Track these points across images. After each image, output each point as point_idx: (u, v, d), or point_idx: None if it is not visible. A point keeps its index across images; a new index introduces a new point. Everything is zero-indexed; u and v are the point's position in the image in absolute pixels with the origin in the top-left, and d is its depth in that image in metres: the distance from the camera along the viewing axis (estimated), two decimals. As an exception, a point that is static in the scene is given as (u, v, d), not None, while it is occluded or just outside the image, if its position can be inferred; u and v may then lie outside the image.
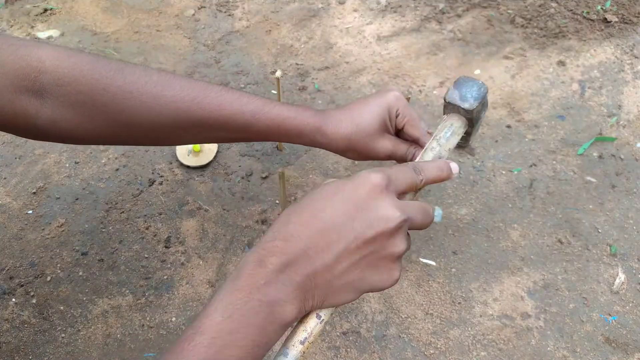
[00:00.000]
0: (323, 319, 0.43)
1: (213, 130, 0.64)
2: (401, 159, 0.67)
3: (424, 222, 0.47)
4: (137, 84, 0.59)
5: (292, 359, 0.41)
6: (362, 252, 0.42)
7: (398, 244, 0.43)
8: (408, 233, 0.46)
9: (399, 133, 0.68)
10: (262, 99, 0.64)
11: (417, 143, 0.66)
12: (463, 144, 0.62)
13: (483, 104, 0.55)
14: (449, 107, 0.56)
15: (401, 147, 0.66)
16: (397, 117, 0.66)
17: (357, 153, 0.65)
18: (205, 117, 0.61)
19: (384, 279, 0.44)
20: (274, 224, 0.44)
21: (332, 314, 0.45)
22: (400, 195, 0.46)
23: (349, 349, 0.73)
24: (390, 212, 0.42)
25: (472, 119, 0.55)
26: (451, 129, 0.54)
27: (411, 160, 0.65)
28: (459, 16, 1.13)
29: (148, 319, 0.75)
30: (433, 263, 0.81)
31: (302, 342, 0.42)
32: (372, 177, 0.43)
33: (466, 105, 0.52)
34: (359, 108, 0.65)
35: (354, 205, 0.42)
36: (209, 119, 0.62)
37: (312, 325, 0.43)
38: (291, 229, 0.42)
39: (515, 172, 0.91)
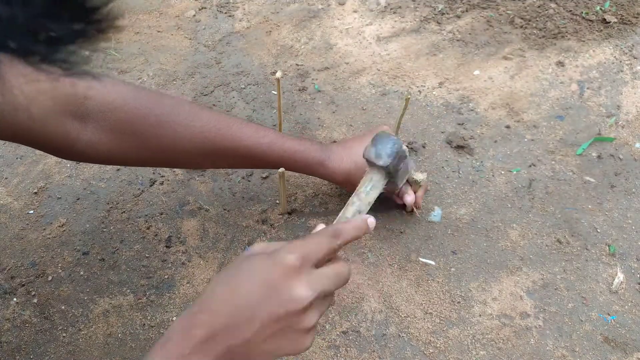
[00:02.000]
0: None
1: (234, 158, 0.72)
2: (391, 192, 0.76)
3: (337, 286, 0.51)
4: (172, 115, 0.66)
5: None
6: (276, 328, 0.46)
7: (309, 319, 0.48)
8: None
9: None
10: (276, 132, 0.74)
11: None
12: (393, 189, 0.65)
13: (399, 157, 0.58)
14: (368, 163, 0.60)
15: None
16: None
17: (353, 185, 0.69)
18: (228, 146, 0.70)
19: (296, 348, 0.49)
20: (202, 294, 0.48)
21: None
22: (321, 262, 0.50)
23: (348, 348, 0.73)
24: (301, 293, 0.46)
25: (390, 173, 0.58)
26: (371, 184, 0.57)
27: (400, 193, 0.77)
28: (458, 17, 1.14)
29: (149, 318, 0.75)
30: (432, 263, 0.81)
31: None
32: (287, 259, 0.46)
33: (380, 163, 0.56)
34: (357, 146, 0.73)
35: (268, 285, 0.46)
36: (231, 149, 0.70)
37: None
38: (215, 304, 0.47)
39: (515, 172, 0.91)
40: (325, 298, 0.49)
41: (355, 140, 0.78)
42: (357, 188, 0.58)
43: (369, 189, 0.57)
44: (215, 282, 0.49)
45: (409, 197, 0.80)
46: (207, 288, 0.48)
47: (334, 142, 0.82)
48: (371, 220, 0.55)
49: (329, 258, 0.51)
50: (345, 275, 0.52)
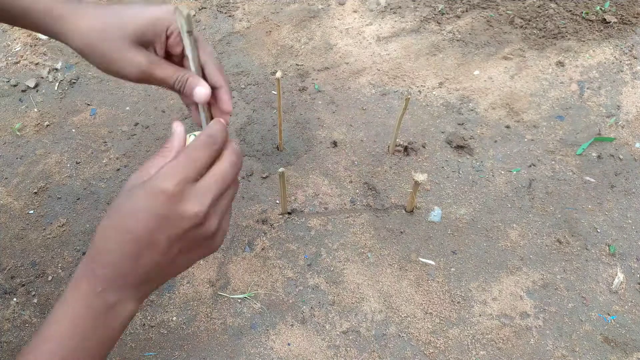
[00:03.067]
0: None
1: (10, 17, 0.56)
2: (159, 83, 0.56)
3: (230, 182, 0.49)
4: None
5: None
6: (180, 245, 0.46)
7: (209, 226, 0.47)
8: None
9: (168, 57, 0.58)
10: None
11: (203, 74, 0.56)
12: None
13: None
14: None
15: (163, 68, 0.56)
16: (168, 37, 0.56)
17: (98, 57, 0.56)
18: (2, 2, 0.55)
19: (207, 252, 0.49)
20: (92, 246, 0.46)
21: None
22: (202, 174, 0.47)
23: (348, 348, 0.73)
24: (191, 211, 0.45)
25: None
26: (189, 40, 0.50)
27: (181, 87, 0.56)
28: (458, 17, 1.14)
29: (149, 318, 0.76)
30: (432, 263, 0.81)
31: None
32: (166, 187, 0.44)
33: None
34: (118, 8, 0.56)
35: (154, 215, 0.44)
36: (4, 5, 0.56)
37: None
38: (109, 245, 0.45)
39: (515, 172, 0.91)
40: (222, 197, 0.48)
41: (122, 4, 0.57)
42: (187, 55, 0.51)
43: (191, 48, 0.51)
44: (102, 223, 0.46)
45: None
46: (97, 230, 0.46)
47: None
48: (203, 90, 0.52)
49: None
50: (235, 166, 0.49)
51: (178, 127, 0.50)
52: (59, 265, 0.80)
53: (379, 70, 1.06)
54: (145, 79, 0.56)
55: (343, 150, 0.94)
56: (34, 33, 1.13)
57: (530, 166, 0.92)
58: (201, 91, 0.53)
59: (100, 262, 0.45)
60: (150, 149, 0.94)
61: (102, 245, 0.45)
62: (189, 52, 0.52)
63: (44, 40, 1.11)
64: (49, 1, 0.57)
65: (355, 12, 1.16)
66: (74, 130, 0.96)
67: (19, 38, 1.10)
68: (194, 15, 1.17)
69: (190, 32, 0.50)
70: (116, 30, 0.55)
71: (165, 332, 0.74)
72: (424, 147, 0.94)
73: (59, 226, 0.84)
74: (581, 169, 0.92)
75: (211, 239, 0.48)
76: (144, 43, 0.55)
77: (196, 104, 0.57)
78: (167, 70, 0.56)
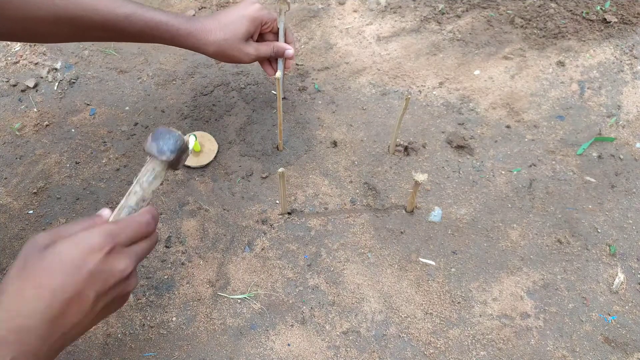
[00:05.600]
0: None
1: (90, 29, 0.70)
2: (264, 58, 0.86)
3: (151, 249, 0.54)
4: None
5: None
6: (105, 300, 0.47)
7: (132, 283, 0.51)
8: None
9: (260, 38, 0.85)
10: (136, 3, 0.72)
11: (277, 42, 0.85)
12: (175, 170, 0.64)
13: (182, 151, 0.59)
14: (150, 156, 0.59)
15: (264, 49, 0.83)
16: (263, 25, 0.82)
17: (226, 57, 0.80)
18: (81, 15, 0.68)
19: (122, 303, 0.52)
20: (2, 299, 0.43)
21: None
22: (131, 243, 0.52)
23: (348, 349, 0.73)
24: (121, 266, 0.48)
25: (172, 164, 0.59)
26: (153, 173, 0.58)
27: (276, 54, 0.85)
28: (458, 17, 1.13)
29: (148, 318, 0.75)
30: (432, 263, 0.81)
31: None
32: (97, 241, 0.46)
33: (163, 158, 0.57)
34: (226, 19, 0.78)
35: (89, 268, 0.45)
36: (85, 18, 0.68)
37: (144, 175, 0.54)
38: (27, 304, 0.43)
39: (515, 172, 0.91)
40: (133, 281, 0.52)
41: (221, 14, 0.79)
42: (138, 178, 0.59)
43: (152, 178, 0.57)
44: (14, 286, 0.44)
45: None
46: (4, 291, 0.44)
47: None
48: (153, 212, 0.55)
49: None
50: (155, 239, 0.55)
51: (104, 211, 0.54)
52: (59, 265, 0.80)
53: (379, 70, 1.06)
54: (254, 60, 0.84)
55: (343, 150, 0.94)
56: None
57: (530, 166, 0.92)
58: (289, 51, 0.84)
59: (13, 328, 0.41)
60: (150, 149, 0.94)
61: (17, 308, 0.42)
62: (280, 28, 0.85)
63: (43, 40, 1.11)
64: (173, 20, 0.75)
65: (355, 11, 1.16)
66: (73, 130, 0.96)
67: (19, 38, 1.10)
68: (194, 15, 1.17)
69: (283, 14, 0.82)
70: (235, 36, 0.78)
71: (165, 332, 0.74)
72: (424, 147, 0.94)
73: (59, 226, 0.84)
74: (582, 169, 0.92)
75: (128, 292, 0.51)
76: (250, 35, 0.81)
77: (270, 62, 0.89)
78: (265, 48, 0.83)
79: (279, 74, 0.78)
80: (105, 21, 0.70)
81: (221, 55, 0.80)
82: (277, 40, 0.86)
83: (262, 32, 0.85)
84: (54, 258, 0.45)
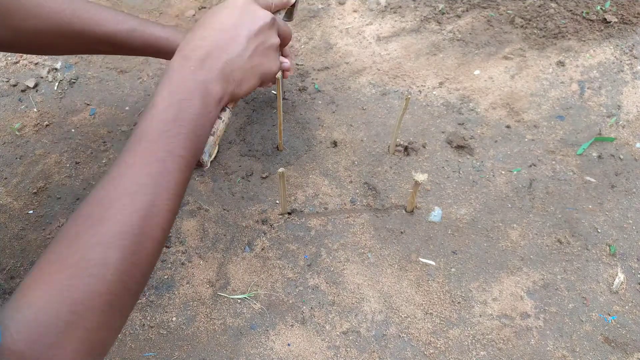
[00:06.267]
0: (223, 120, 0.59)
1: (93, 43, 0.73)
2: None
3: (286, 29, 0.68)
4: None
5: (207, 146, 0.57)
6: (255, 43, 0.59)
7: (274, 37, 0.62)
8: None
9: None
10: (139, 19, 0.75)
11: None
12: (289, 18, 0.83)
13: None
14: None
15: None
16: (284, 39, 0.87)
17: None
18: (85, 29, 0.70)
19: (272, 64, 0.63)
20: (185, 38, 0.57)
21: (229, 117, 0.61)
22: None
23: (348, 349, 0.73)
24: (263, 13, 0.61)
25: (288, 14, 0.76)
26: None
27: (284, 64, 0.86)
28: (458, 17, 1.13)
29: (148, 318, 0.75)
30: (432, 263, 0.81)
31: (211, 134, 0.57)
32: None
33: None
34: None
35: (237, 9, 0.59)
36: (89, 32, 0.71)
37: (217, 124, 0.58)
38: (201, 33, 0.56)
39: (515, 172, 0.91)
40: (277, 35, 0.64)
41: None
42: None
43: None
44: (192, 30, 0.58)
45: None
46: (188, 35, 0.57)
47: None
48: None
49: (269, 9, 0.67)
50: (289, 27, 0.70)
51: None
52: (59, 265, 0.80)
53: (379, 70, 1.06)
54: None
55: (343, 150, 0.94)
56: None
57: (530, 166, 0.92)
58: (285, 64, 0.84)
59: (192, 47, 0.55)
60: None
61: (195, 35, 0.56)
62: None
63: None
64: (174, 37, 0.77)
65: (355, 11, 1.16)
66: (73, 130, 0.96)
67: (19, 38, 1.10)
68: (194, 15, 1.17)
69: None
70: None
71: (165, 332, 0.74)
72: (424, 147, 0.94)
73: (59, 226, 0.84)
74: (582, 169, 0.92)
75: (274, 52, 0.63)
76: None
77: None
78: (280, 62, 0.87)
79: (278, 74, 0.78)
80: (108, 36, 0.72)
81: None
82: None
83: None
84: (216, 7, 0.60)
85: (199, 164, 0.58)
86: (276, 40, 0.63)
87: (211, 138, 0.57)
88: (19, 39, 0.69)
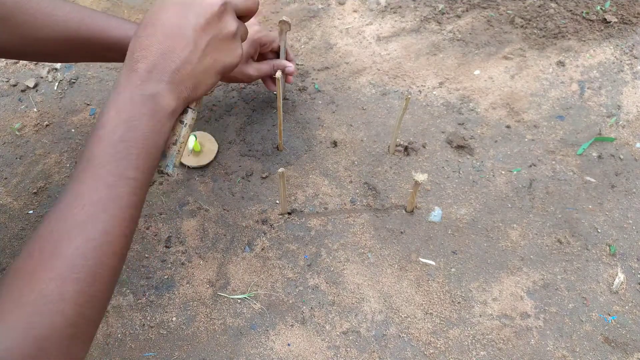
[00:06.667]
0: (186, 123, 0.56)
1: (100, 51, 0.73)
2: (267, 76, 0.90)
3: (246, 4, 0.59)
4: (33, 2, 0.67)
5: (170, 156, 0.54)
6: (205, 39, 0.53)
7: (229, 24, 0.55)
8: (238, 18, 0.59)
9: (261, 57, 0.88)
10: None
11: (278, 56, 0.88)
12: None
13: None
14: None
15: (265, 68, 0.86)
16: (262, 45, 0.84)
17: (227, 79, 0.83)
18: (93, 37, 0.70)
19: (231, 56, 0.57)
20: (130, 45, 0.53)
21: (193, 118, 0.57)
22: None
23: (348, 349, 0.73)
24: (208, 0, 0.53)
25: None
26: None
27: (276, 71, 0.84)
28: (458, 17, 1.13)
29: (148, 318, 0.75)
30: (432, 263, 0.81)
31: (174, 143, 0.55)
32: None
33: None
34: None
35: (178, 4, 0.53)
36: (97, 39, 0.71)
37: (179, 129, 0.55)
38: (144, 41, 0.52)
39: (515, 172, 0.91)
40: (237, 19, 0.57)
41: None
42: None
43: None
44: (142, 22, 0.54)
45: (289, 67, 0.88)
46: (136, 31, 0.53)
47: None
48: None
49: None
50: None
51: None
52: (59, 265, 0.80)
53: (379, 70, 1.06)
54: (256, 79, 0.88)
55: (343, 150, 0.94)
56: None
57: (530, 166, 0.92)
58: (290, 68, 0.87)
59: (136, 58, 0.51)
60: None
61: (138, 43, 0.52)
62: (282, 47, 0.87)
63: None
64: None
65: (355, 11, 1.16)
66: (73, 130, 0.96)
67: (19, 38, 1.10)
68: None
69: (284, 34, 0.83)
70: None
71: (165, 332, 0.74)
72: (424, 147, 0.94)
73: (59, 226, 0.84)
74: (582, 169, 0.92)
75: (231, 41, 0.56)
76: (250, 57, 0.83)
77: (272, 78, 0.91)
78: (266, 67, 0.86)
79: (279, 73, 0.78)
80: (115, 43, 0.72)
81: (227, 78, 0.83)
82: (278, 58, 0.89)
83: (262, 52, 0.87)
84: (154, 5, 0.55)
85: (165, 174, 0.57)
86: (232, 27, 0.56)
87: (173, 147, 0.55)
88: (27, 47, 0.70)
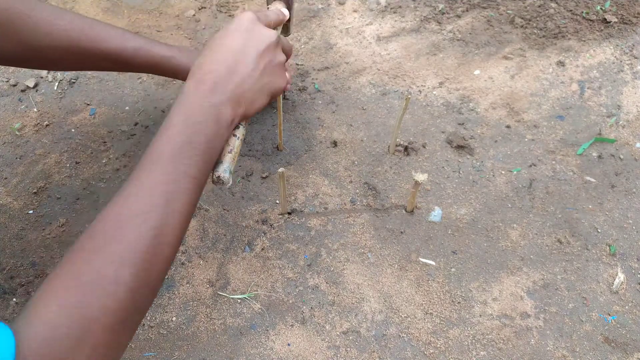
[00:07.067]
0: (239, 137, 0.61)
1: (99, 60, 0.75)
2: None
3: (288, 44, 0.71)
4: (35, 10, 0.69)
5: (226, 164, 0.58)
6: (263, 62, 0.61)
7: (280, 54, 0.64)
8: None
9: None
10: (145, 38, 0.77)
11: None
12: (286, 33, 0.85)
13: None
14: None
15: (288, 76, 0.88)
16: None
17: None
18: (93, 46, 0.73)
19: (280, 80, 0.64)
20: (196, 62, 0.59)
21: (244, 133, 0.62)
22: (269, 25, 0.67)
23: (348, 349, 0.73)
24: (268, 32, 0.62)
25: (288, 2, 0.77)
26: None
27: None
28: (458, 17, 1.13)
29: (149, 318, 0.75)
30: (433, 263, 0.81)
31: (229, 152, 0.59)
32: (247, 13, 0.62)
33: None
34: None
35: (242, 34, 0.60)
36: (96, 49, 0.73)
37: (233, 141, 0.60)
38: (211, 57, 0.58)
39: (515, 172, 0.91)
40: (281, 52, 0.65)
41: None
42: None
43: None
44: (204, 49, 0.60)
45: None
46: (195, 64, 0.59)
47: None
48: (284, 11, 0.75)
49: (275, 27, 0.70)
50: (290, 42, 0.76)
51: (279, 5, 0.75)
52: (59, 265, 0.80)
53: (379, 70, 1.06)
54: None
55: (343, 150, 0.94)
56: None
57: (530, 166, 0.92)
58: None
59: (204, 71, 0.57)
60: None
61: (206, 59, 0.58)
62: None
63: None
64: (177, 56, 0.79)
65: (355, 11, 1.16)
66: (73, 130, 0.96)
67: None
68: (194, 15, 1.17)
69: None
70: None
71: (165, 332, 0.74)
72: (424, 147, 0.94)
73: (59, 226, 0.84)
74: (582, 169, 0.92)
75: (281, 69, 0.64)
76: None
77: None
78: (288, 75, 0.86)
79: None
80: (114, 53, 0.74)
81: None
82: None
83: None
84: (224, 28, 0.61)
85: (220, 182, 0.59)
86: (282, 57, 0.64)
87: (229, 155, 0.59)
88: (29, 54, 0.72)
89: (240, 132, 0.62)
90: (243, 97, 0.59)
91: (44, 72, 1.05)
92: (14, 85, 1.03)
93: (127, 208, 0.49)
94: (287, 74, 0.76)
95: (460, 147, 0.94)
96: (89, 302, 0.43)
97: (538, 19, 1.12)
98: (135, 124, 0.97)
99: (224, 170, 0.59)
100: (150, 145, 0.52)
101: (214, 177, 0.58)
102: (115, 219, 0.48)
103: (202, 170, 0.54)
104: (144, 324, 0.75)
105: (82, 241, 0.47)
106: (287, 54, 0.71)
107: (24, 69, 1.05)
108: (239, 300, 0.77)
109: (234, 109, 0.58)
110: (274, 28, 0.74)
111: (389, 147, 0.93)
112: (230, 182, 0.60)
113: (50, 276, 0.45)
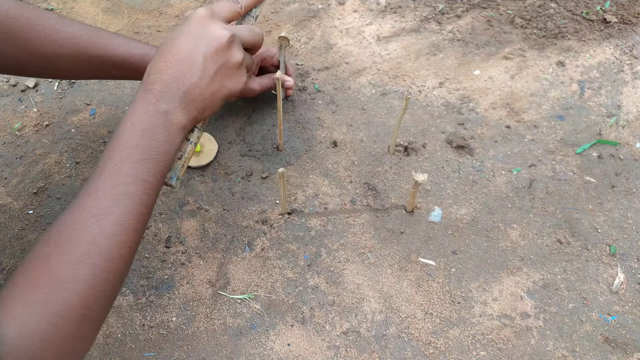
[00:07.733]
0: (192, 140, 0.61)
1: (107, 68, 0.76)
2: (269, 88, 0.92)
3: (253, 38, 0.66)
4: (42, 19, 0.70)
5: (175, 169, 0.59)
6: (213, 67, 0.59)
7: (236, 55, 0.62)
8: (245, 49, 0.65)
9: (261, 70, 0.93)
10: (149, 45, 0.78)
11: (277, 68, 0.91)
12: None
13: None
14: None
15: (266, 82, 0.90)
16: (262, 60, 0.90)
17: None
18: (100, 54, 0.74)
19: (236, 83, 0.63)
20: (147, 68, 0.59)
21: (199, 136, 0.62)
22: (227, 22, 0.64)
23: (348, 349, 0.73)
24: (220, 32, 0.60)
25: None
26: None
27: (275, 83, 0.84)
28: (458, 17, 1.13)
29: (148, 318, 0.75)
30: (432, 263, 0.81)
31: (179, 158, 0.60)
32: (198, 12, 0.60)
33: None
34: None
35: (192, 35, 0.59)
36: (104, 57, 0.74)
37: (185, 146, 0.60)
38: (159, 65, 0.58)
39: (515, 172, 0.91)
40: (242, 49, 0.63)
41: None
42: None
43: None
44: (159, 49, 0.60)
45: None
46: (153, 57, 0.59)
47: None
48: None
49: (234, 19, 0.66)
50: (257, 32, 0.66)
51: None
52: (59, 265, 0.80)
53: (379, 70, 1.06)
54: (258, 93, 0.90)
55: (343, 150, 0.94)
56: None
57: (530, 166, 0.92)
58: (289, 83, 0.91)
59: (151, 79, 0.57)
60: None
61: (154, 66, 0.58)
62: (281, 61, 0.91)
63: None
64: None
65: (355, 11, 1.16)
66: (73, 130, 0.96)
67: (19, 38, 1.10)
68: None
69: (283, 49, 0.87)
70: None
71: (165, 332, 0.74)
72: (424, 147, 0.94)
73: (59, 226, 0.84)
74: (582, 169, 0.92)
75: (237, 70, 0.62)
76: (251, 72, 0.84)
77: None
78: (267, 81, 0.90)
79: (278, 73, 0.78)
80: (122, 60, 0.75)
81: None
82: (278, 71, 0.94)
83: (263, 66, 0.92)
84: (173, 32, 0.61)
85: (169, 186, 0.61)
86: (238, 57, 0.62)
87: (178, 162, 0.60)
88: (36, 63, 0.72)
89: (194, 135, 0.61)
90: (193, 103, 0.58)
91: (44, 72, 1.05)
92: (14, 85, 1.03)
93: (79, 214, 0.51)
94: (284, 77, 0.78)
95: (460, 147, 0.94)
96: (51, 298, 0.45)
97: (538, 19, 1.12)
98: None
99: (170, 178, 0.60)
100: (103, 151, 0.54)
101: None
102: (69, 224, 0.51)
103: (153, 174, 0.55)
104: (143, 324, 0.75)
105: (38, 246, 0.49)
106: (254, 46, 0.68)
107: (24, 69, 1.05)
108: (239, 301, 0.77)
109: (185, 115, 0.58)
110: (242, 18, 0.71)
111: (389, 147, 0.93)
112: (177, 187, 0.62)
113: (12, 279, 0.47)
